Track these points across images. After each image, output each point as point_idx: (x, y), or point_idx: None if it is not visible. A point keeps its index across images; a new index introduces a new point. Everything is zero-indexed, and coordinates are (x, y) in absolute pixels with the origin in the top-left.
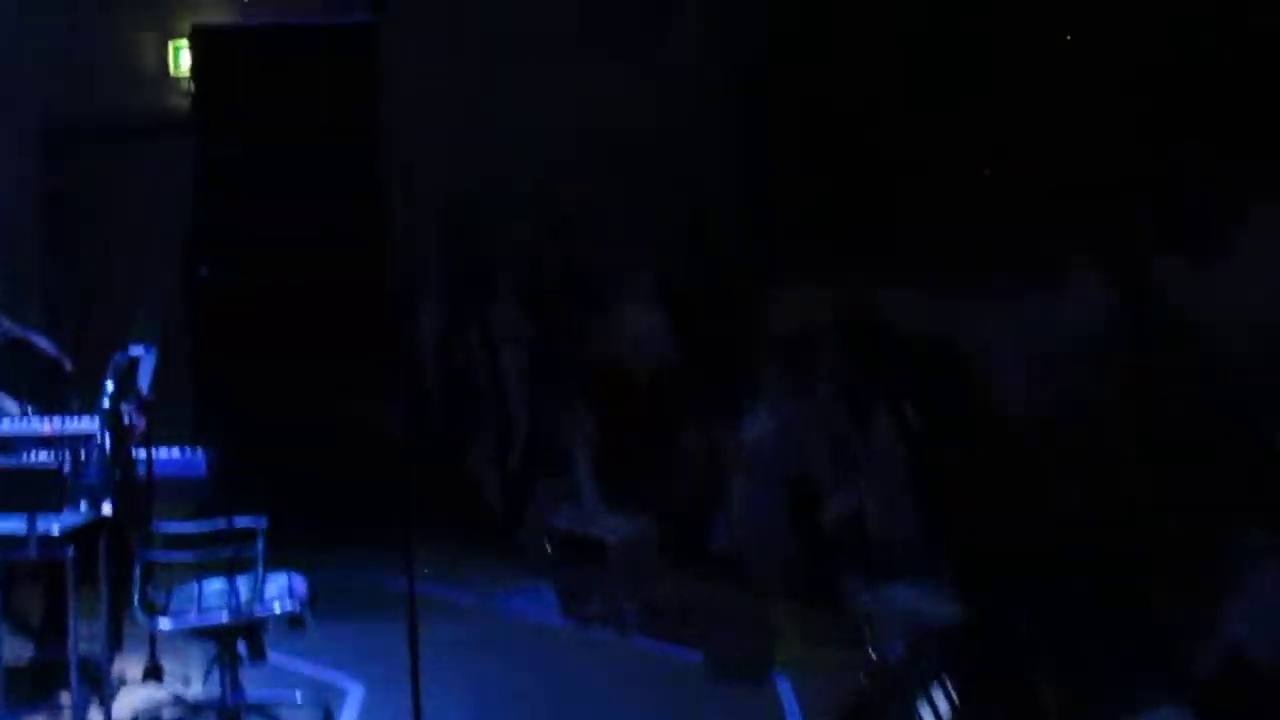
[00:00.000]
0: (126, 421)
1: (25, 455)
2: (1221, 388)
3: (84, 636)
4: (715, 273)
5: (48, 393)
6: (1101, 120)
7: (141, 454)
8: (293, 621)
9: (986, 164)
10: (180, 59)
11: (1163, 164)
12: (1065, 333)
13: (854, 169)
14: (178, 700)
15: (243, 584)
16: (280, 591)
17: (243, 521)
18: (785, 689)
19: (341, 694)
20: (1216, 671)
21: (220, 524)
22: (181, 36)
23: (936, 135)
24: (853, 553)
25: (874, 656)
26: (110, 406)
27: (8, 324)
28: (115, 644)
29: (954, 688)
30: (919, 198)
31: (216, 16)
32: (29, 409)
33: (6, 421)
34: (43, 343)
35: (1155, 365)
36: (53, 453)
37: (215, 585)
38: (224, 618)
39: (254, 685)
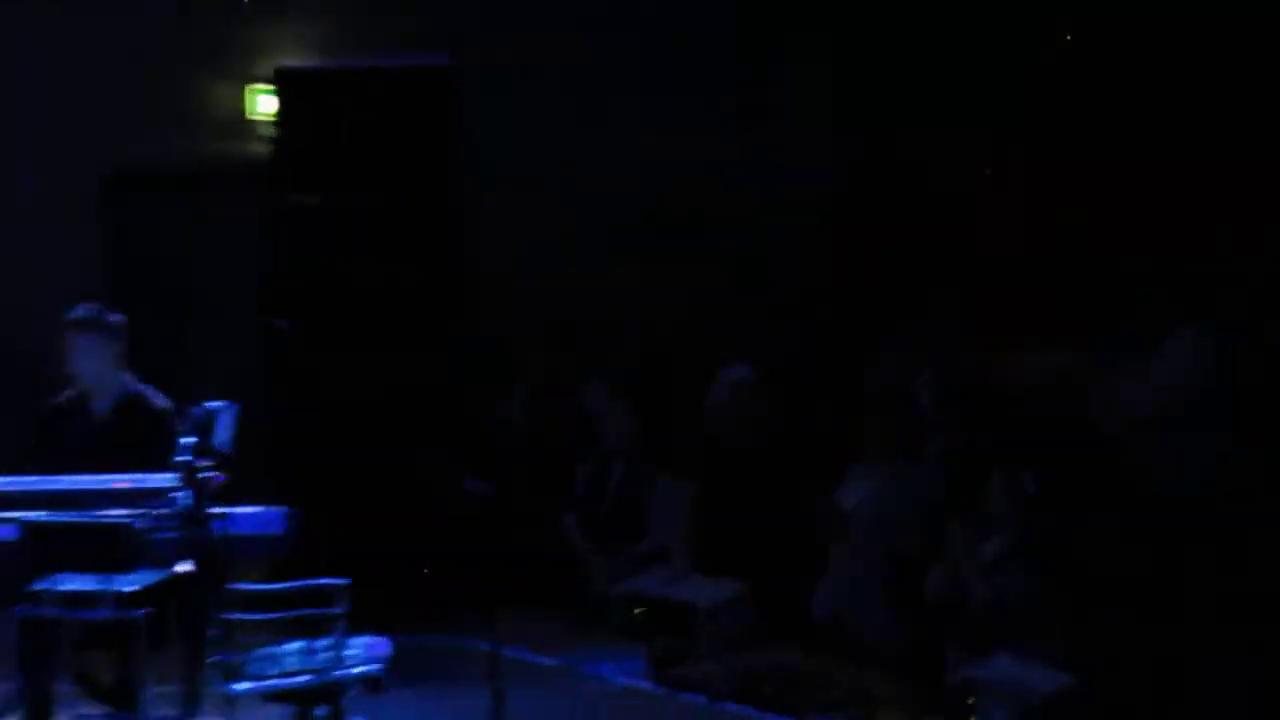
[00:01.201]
0: (204, 477)
1: (99, 511)
2: None
3: (157, 700)
4: (816, 333)
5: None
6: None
7: (219, 511)
8: (373, 685)
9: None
10: (255, 103)
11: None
12: (1187, 387)
13: (958, 218)
14: None
15: (322, 646)
16: (361, 654)
17: (323, 582)
18: None
19: None
20: None
21: (301, 585)
22: (256, 81)
23: (1044, 186)
24: (955, 621)
25: None
26: (188, 461)
27: (127, 377)
28: (190, 708)
29: None
30: (1025, 247)
31: (293, 60)
32: None
33: (80, 477)
34: (159, 399)
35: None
36: (127, 509)
37: (294, 647)
38: (304, 680)
39: None
